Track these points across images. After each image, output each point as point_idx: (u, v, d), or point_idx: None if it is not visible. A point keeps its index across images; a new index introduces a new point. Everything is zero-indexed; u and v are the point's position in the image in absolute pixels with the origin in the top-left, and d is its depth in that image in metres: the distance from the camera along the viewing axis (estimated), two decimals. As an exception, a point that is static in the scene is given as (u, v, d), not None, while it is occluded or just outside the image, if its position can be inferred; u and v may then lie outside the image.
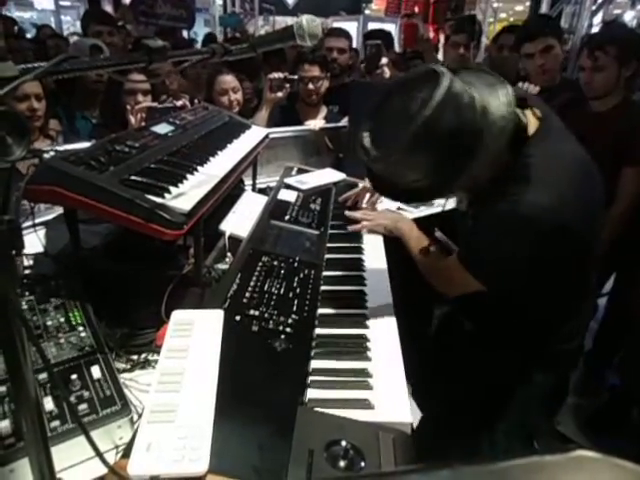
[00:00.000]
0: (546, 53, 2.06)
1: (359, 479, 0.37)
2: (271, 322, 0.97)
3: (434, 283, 1.16)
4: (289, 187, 1.75)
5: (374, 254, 1.41)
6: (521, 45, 2.13)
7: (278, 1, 8.82)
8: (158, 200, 0.98)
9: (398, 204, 1.93)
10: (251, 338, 0.93)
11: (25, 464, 0.61)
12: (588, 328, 1.20)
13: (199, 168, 1.22)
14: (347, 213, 1.58)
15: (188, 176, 1.15)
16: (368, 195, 1.73)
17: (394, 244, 1.51)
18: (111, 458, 0.73)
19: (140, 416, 0.79)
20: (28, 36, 5.30)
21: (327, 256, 1.33)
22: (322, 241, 1.40)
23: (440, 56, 4.18)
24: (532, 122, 0.95)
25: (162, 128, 1.40)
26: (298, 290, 1.11)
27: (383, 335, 1.03)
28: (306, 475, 0.63)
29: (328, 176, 1.94)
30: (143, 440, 0.65)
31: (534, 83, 2.05)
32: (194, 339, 0.85)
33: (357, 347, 0.98)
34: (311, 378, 0.87)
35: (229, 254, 1.34)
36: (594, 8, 4.37)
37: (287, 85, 2.28)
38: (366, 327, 1.04)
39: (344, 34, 2.93)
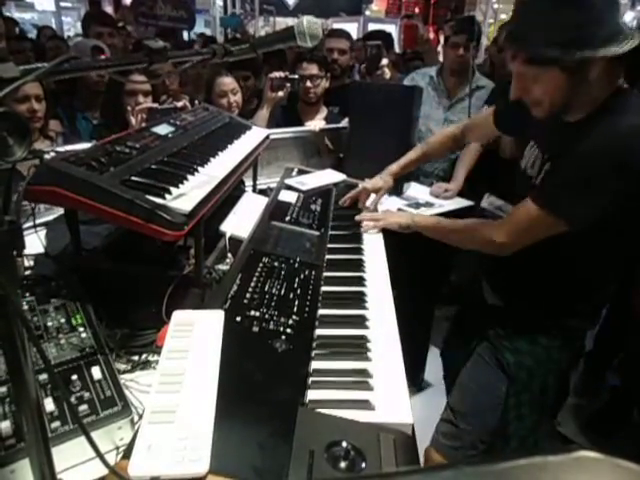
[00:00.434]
0: None
1: (362, 479, 0.37)
2: (272, 323, 0.97)
3: (480, 243, 1.21)
4: (289, 188, 1.75)
5: (374, 255, 1.41)
6: None
7: (278, 2, 8.84)
8: (159, 201, 0.98)
9: (399, 205, 1.93)
10: (252, 339, 0.93)
11: (26, 465, 0.61)
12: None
13: (200, 169, 1.22)
14: (357, 218, 1.57)
15: (189, 177, 1.15)
16: (366, 195, 1.73)
17: (394, 244, 1.51)
18: (111, 459, 0.73)
19: (140, 417, 0.79)
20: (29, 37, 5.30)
21: (327, 257, 1.33)
22: (322, 242, 1.40)
23: (440, 57, 4.18)
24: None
25: (163, 129, 1.40)
26: (299, 291, 1.11)
27: (383, 336, 1.02)
28: (307, 476, 0.63)
29: (328, 177, 1.94)
30: (144, 441, 0.65)
31: None
32: (195, 340, 0.85)
33: (357, 348, 0.97)
34: (312, 379, 0.87)
35: (230, 255, 1.34)
36: (594, 9, 4.36)
37: (287, 85, 2.28)
38: (366, 328, 1.04)
39: (345, 35, 2.93)
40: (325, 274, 1.24)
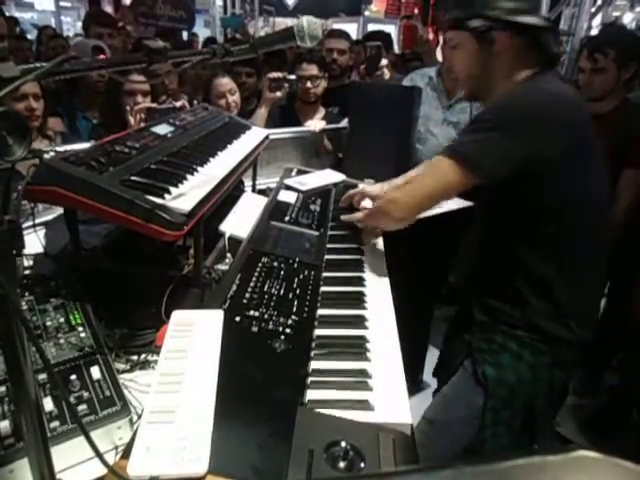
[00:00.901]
0: None
1: (361, 479, 0.37)
2: (271, 323, 0.97)
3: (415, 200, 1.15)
4: (289, 188, 1.75)
5: (374, 255, 1.42)
6: None
7: (278, 2, 8.85)
8: (158, 201, 0.98)
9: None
10: (251, 339, 0.93)
11: (25, 464, 0.61)
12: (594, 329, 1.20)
13: (199, 169, 1.22)
14: (342, 218, 1.52)
15: (188, 177, 1.15)
16: (361, 197, 1.71)
17: (394, 245, 1.51)
18: (111, 459, 0.73)
19: (140, 417, 0.79)
20: (29, 37, 5.30)
21: (327, 257, 1.33)
22: (322, 242, 1.40)
23: (439, 57, 4.18)
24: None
25: (162, 129, 1.40)
26: (298, 291, 1.11)
27: (383, 336, 1.03)
28: (306, 476, 0.63)
29: (328, 177, 1.94)
30: (143, 441, 0.65)
31: None
32: (194, 340, 0.85)
33: (357, 348, 0.98)
34: (311, 379, 0.87)
35: (229, 255, 1.34)
36: (593, 10, 4.38)
37: (285, 85, 2.28)
38: (366, 328, 1.04)
39: (344, 35, 2.93)
40: (324, 274, 1.24)
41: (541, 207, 1.07)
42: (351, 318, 1.08)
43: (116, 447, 0.77)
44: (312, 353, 0.93)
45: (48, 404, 0.75)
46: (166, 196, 1.02)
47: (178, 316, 0.92)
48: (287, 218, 1.48)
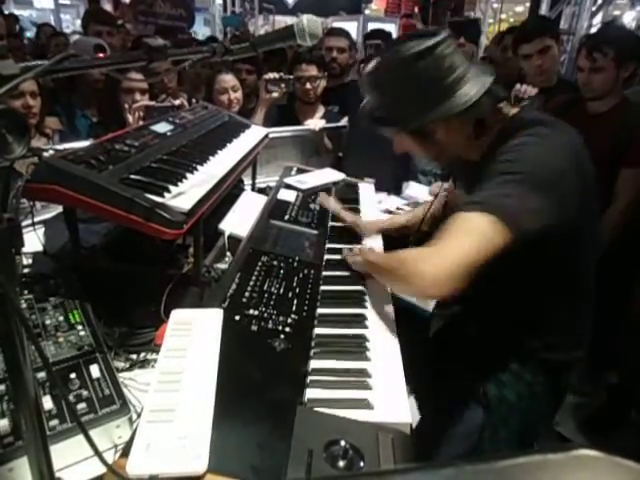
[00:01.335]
0: (543, 54, 2.07)
1: (362, 477, 0.37)
2: (270, 322, 0.97)
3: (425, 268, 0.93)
4: (289, 187, 1.75)
5: (373, 254, 1.41)
6: (519, 46, 2.13)
7: (278, 0, 8.83)
8: (158, 199, 0.98)
9: (398, 204, 1.93)
10: (250, 338, 0.93)
11: (24, 463, 0.61)
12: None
13: (199, 167, 1.22)
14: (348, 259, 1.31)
15: (188, 175, 1.15)
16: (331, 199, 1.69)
17: (394, 244, 1.51)
18: (110, 457, 0.73)
19: (139, 415, 0.79)
20: (28, 34, 5.29)
21: (326, 256, 1.33)
22: (321, 241, 1.40)
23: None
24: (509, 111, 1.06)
25: (162, 127, 1.40)
26: (297, 290, 1.11)
27: (382, 335, 1.03)
28: (305, 475, 0.63)
29: (327, 176, 1.94)
30: (142, 439, 0.65)
31: (531, 84, 2.05)
32: (193, 338, 0.85)
33: (356, 347, 0.97)
34: (310, 378, 0.87)
35: (228, 253, 1.34)
36: (594, 9, 4.38)
37: (282, 85, 2.28)
38: (365, 327, 1.04)
39: (344, 34, 2.93)
40: (324, 273, 1.24)
41: (549, 257, 1.02)
42: (351, 317, 1.08)
43: (115, 446, 0.77)
44: (312, 352, 0.93)
45: (47, 403, 0.75)
46: (166, 195, 1.01)
47: (177, 315, 0.92)
48: (287, 217, 1.48)
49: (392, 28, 6.28)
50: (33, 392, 0.54)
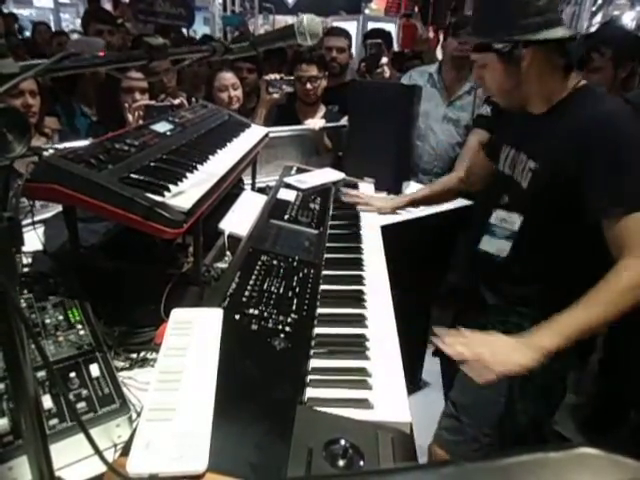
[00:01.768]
0: None
1: (363, 476, 0.37)
2: (270, 321, 0.97)
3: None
4: (288, 186, 1.75)
5: (373, 254, 1.42)
6: None
7: (278, 0, 8.83)
8: (157, 198, 0.98)
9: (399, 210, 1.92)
10: (250, 337, 0.93)
11: (24, 462, 0.61)
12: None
13: (199, 167, 1.22)
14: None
15: (188, 174, 1.14)
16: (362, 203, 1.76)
17: (393, 243, 1.51)
18: (109, 456, 0.73)
19: (139, 415, 0.79)
20: (27, 33, 5.29)
21: (326, 255, 1.33)
22: (321, 240, 1.40)
23: (439, 56, 4.19)
24: (581, 81, 1.14)
25: (161, 126, 1.40)
26: (297, 289, 1.11)
27: (382, 334, 1.03)
28: (305, 474, 0.63)
29: (327, 175, 1.94)
30: (142, 438, 0.65)
31: None
32: (193, 338, 0.85)
33: (356, 346, 0.98)
34: (310, 377, 0.87)
35: (228, 253, 1.34)
36: (594, 9, 4.39)
37: (283, 86, 2.28)
38: (365, 326, 1.04)
39: (344, 33, 2.93)
40: (324, 272, 1.24)
41: None
42: (350, 316, 1.08)
43: (115, 445, 0.77)
44: (311, 351, 0.93)
45: (47, 402, 0.75)
46: (165, 194, 1.01)
47: (177, 314, 0.91)
48: (287, 216, 1.48)
49: (392, 28, 6.28)
50: (33, 391, 0.54)
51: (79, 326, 0.92)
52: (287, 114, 2.49)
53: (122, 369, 0.93)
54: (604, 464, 0.23)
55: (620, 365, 2.17)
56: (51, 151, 1.04)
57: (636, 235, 0.96)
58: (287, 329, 0.96)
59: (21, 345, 0.52)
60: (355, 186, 1.96)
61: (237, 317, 0.97)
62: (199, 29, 8.20)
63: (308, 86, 2.38)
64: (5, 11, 5.23)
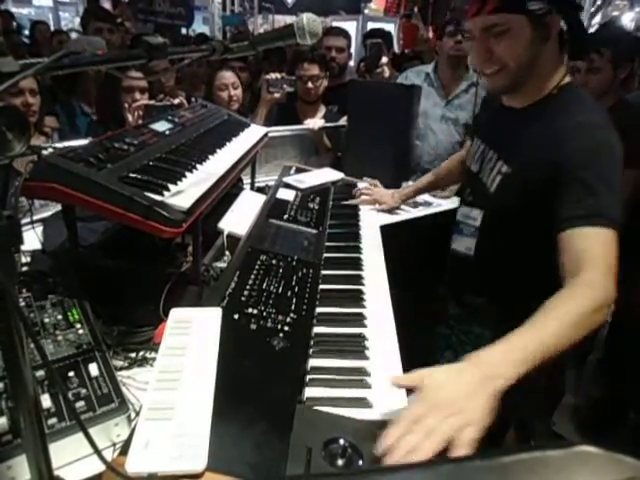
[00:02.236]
0: None
1: (362, 474, 0.37)
2: (269, 320, 0.97)
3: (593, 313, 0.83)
4: (288, 186, 1.75)
5: (372, 253, 1.42)
6: None
7: (277, 0, 8.83)
8: (157, 197, 0.98)
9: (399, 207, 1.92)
10: (249, 336, 0.93)
11: (22, 461, 0.61)
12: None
13: (198, 166, 1.22)
14: None
15: (187, 174, 1.14)
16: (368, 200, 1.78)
17: (392, 243, 1.51)
18: (108, 455, 0.73)
19: (137, 414, 0.79)
20: (27, 32, 5.28)
21: (325, 255, 1.33)
22: (320, 240, 1.40)
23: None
24: (566, 75, 1.07)
25: (161, 126, 1.40)
26: (296, 289, 1.11)
27: (381, 334, 1.03)
28: (304, 473, 0.63)
29: (327, 175, 1.94)
30: (141, 437, 0.65)
31: None
32: (192, 337, 0.85)
33: (355, 346, 0.98)
34: (309, 376, 0.87)
35: (227, 252, 1.34)
36: (593, 10, 4.39)
37: (284, 85, 2.28)
38: (364, 326, 1.04)
39: (343, 33, 2.93)
40: (323, 272, 1.24)
41: None
42: (350, 316, 1.08)
43: (114, 444, 0.77)
44: (311, 351, 0.94)
45: (46, 401, 0.74)
46: (165, 193, 1.01)
47: (176, 313, 0.92)
48: (286, 216, 1.48)
49: (391, 28, 6.28)
50: (32, 390, 0.54)
51: (78, 325, 0.92)
52: (288, 113, 2.49)
53: (121, 368, 0.93)
54: (604, 462, 0.23)
55: (619, 366, 2.18)
56: (50, 150, 1.04)
57: (603, 252, 0.89)
58: (286, 328, 0.96)
59: (20, 344, 0.52)
60: (354, 186, 1.96)
61: (236, 317, 0.97)
62: (198, 29, 8.21)
63: (309, 85, 2.38)
64: (3, 10, 5.23)
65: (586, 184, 0.93)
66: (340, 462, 0.66)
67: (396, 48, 5.38)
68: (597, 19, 4.66)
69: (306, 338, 0.96)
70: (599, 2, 4.45)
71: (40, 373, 0.78)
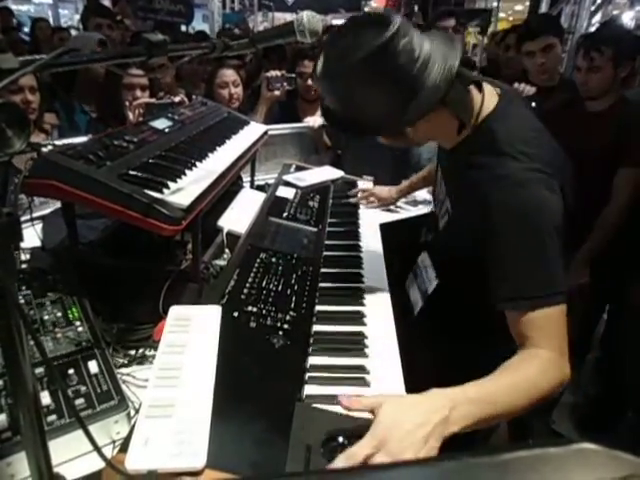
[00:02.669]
0: (547, 52, 2.07)
1: (362, 470, 0.37)
2: (269, 318, 0.97)
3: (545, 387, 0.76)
4: (287, 184, 1.75)
5: (372, 252, 1.42)
6: (522, 43, 2.13)
7: (277, -3, 8.82)
8: (156, 195, 0.98)
9: (397, 203, 1.92)
10: (249, 334, 0.93)
11: (22, 458, 0.61)
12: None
13: (197, 164, 1.22)
14: None
15: (187, 171, 1.14)
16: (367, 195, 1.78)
17: (392, 241, 1.52)
18: (108, 453, 0.73)
19: (137, 411, 0.79)
20: (26, 29, 5.26)
21: (325, 253, 1.33)
22: (320, 238, 1.40)
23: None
24: (491, 98, 0.92)
25: (160, 123, 1.39)
26: (296, 287, 1.11)
27: (381, 332, 1.03)
28: (304, 470, 0.63)
29: (326, 173, 1.94)
30: (141, 435, 0.65)
31: (534, 81, 2.05)
32: (192, 335, 0.85)
33: (355, 344, 0.98)
34: (309, 374, 0.87)
35: (227, 250, 1.34)
36: (593, 8, 4.38)
37: (284, 83, 2.28)
38: (364, 324, 1.05)
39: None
40: (322, 270, 1.24)
41: None
42: (349, 314, 1.08)
43: (113, 441, 0.77)
44: (310, 349, 0.94)
45: (45, 398, 0.75)
46: (164, 191, 1.01)
47: (176, 311, 0.92)
48: (285, 214, 1.48)
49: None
50: (31, 387, 0.54)
51: (77, 323, 0.92)
52: (288, 111, 2.49)
53: (121, 366, 0.94)
54: (604, 459, 0.23)
55: (617, 364, 2.18)
56: (50, 147, 1.04)
57: (541, 330, 0.79)
58: (286, 326, 0.96)
59: (20, 341, 0.52)
60: (354, 184, 1.96)
61: (236, 314, 0.97)
62: (198, 26, 8.19)
63: (309, 82, 2.38)
64: (1, 5, 5.20)
65: (509, 259, 0.83)
66: (339, 460, 0.66)
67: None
68: (597, 18, 4.65)
69: (305, 336, 0.96)
70: (599, 1, 4.44)
71: (40, 370, 0.78)
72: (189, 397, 0.72)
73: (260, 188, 1.87)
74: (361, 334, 1.01)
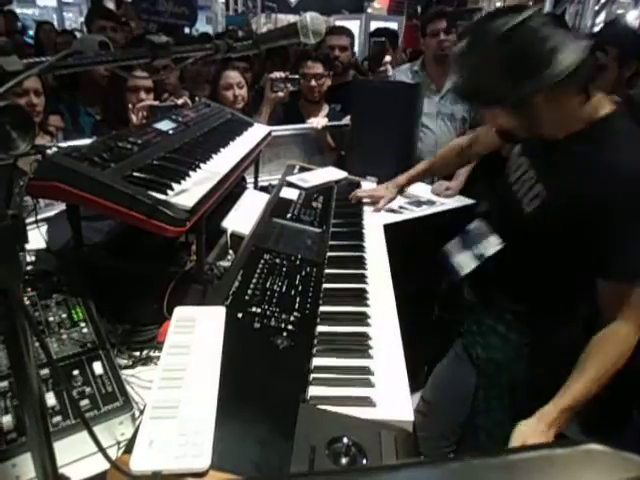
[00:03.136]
0: None
1: (369, 471, 0.37)
2: (273, 319, 0.97)
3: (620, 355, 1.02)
4: (291, 185, 1.75)
5: (376, 252, 1.41)
6: None
7: (281, -1, 8.84)
8: (160, 197, 0.98)
9: (400, 202, 1.92)
10: (253, 335, 0.93)
11: (27, 459, 0.61)
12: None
13: (201, 165, 1.22)
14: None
15: (190, 173, 1.15)
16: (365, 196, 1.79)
17: (395, 242, 1.51)
18: (112, 454, 0.73)
19: (141, 412, 0.79)
20: (31, 33, 5.30)
21: (329, 254, 1.33)
22: (324, 239, 1.40)
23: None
24: (605, 104, 1.04)
25: (164, 125, 1.40)
26: (300, 288, 1.11)
27: (385, 333, 1.03)
28: (308, 471, 0.63)
29: (330, 174, 1.94)
30: (145, 436, 0.65)
31: None
32: (196, 336, 0.85)
33: (359, 345, 0.98)
34: (313, 375, 0.87)
35: (231, 251, 1.34)
36: (597, 8, 4.37)
37: (288, 85, 2.29)
38: (368, 325, 1.04)
39: (346, 32, 2.92)
40: (326, 271, 1.24)
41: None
42: (353, 315, 1.08)
43: (118, 442, 0.77)
44: (314, 350, 0.93)
45: (51, 399, 0.75)
46: (168, 192, 1.02)
47: (180, 312, 0.92)
48: (289, 215, 1.48)
49: (395, 27, 6.26)
50: (37, 388, 0.54)
51: (82, 324, 0.92)
52: (291, 112, 2.49)
53: (125, 367, 0.94)
54: (612, 460, 0.23)
55: (623, 365, 2.17)
56: (55, 149, 1.04)
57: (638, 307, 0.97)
58: (290, 327, 0.96)
59: (25, 343, 0.52)
60: (358, 185, 1.96)
61: (240, 315, 0.97)
62: (202, 28, 8.22)
63: (313, 83, 2.39)
64: (8, 10, 5.24)
65: (628, 238, 0.96)
66: (344, 461, 0.66)
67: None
68: (601, 17, 4.64)
69: (310, 337, 0.96)
70: (603, 0, 4.43)
71: (45, 372, 0.79)
72: (193, 398, 0.72)
73: (264, 189, 1.87)
74: (365, 335, 1.00)
